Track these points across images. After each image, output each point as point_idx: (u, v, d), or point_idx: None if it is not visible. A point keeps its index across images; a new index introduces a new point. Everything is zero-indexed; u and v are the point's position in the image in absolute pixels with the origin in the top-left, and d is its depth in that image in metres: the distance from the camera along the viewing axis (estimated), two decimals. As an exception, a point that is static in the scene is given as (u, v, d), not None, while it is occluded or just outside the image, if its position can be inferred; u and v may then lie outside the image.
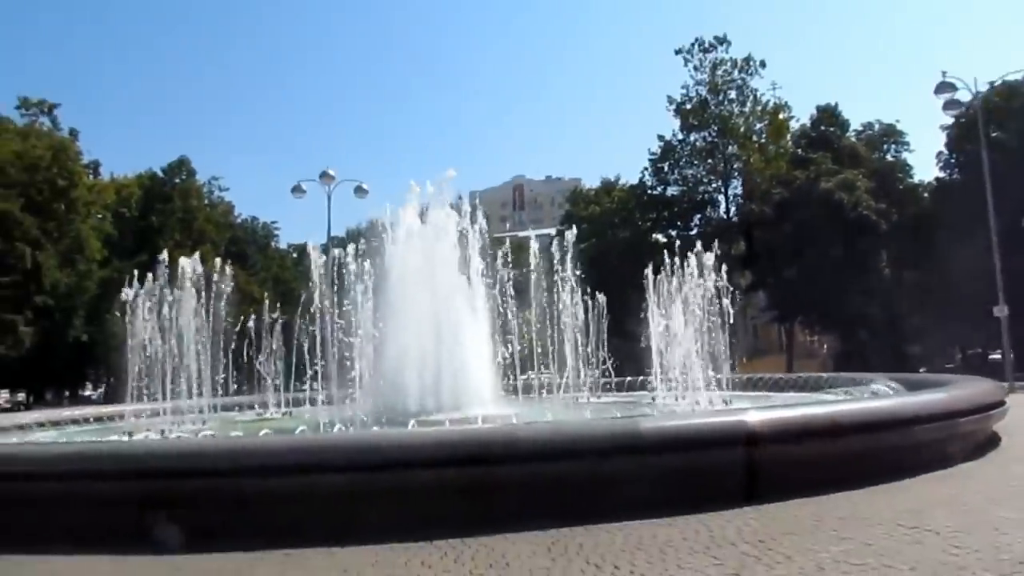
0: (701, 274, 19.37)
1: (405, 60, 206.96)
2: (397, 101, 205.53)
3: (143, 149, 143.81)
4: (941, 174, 51.99)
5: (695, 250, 19.12)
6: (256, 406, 20.99)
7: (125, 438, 10.24)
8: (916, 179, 52.24)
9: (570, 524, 6.57)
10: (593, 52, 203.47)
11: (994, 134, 48.25)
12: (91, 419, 17.02)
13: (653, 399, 19.40)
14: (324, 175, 36.00)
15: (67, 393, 54.09)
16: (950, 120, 51.31)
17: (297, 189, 37.48)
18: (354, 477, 6.73)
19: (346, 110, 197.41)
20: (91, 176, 53.73)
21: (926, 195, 51.49)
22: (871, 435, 8.32)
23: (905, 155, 53.06)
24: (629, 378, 24.13)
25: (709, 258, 18.92)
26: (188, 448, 7.15)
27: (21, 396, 52.86)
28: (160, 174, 54.35)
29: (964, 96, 28.42)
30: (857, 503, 7.22)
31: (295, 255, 71.35)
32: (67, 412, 18.59)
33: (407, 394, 15.09)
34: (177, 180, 53.22)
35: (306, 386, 25.30)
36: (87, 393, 57.65)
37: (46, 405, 46.42)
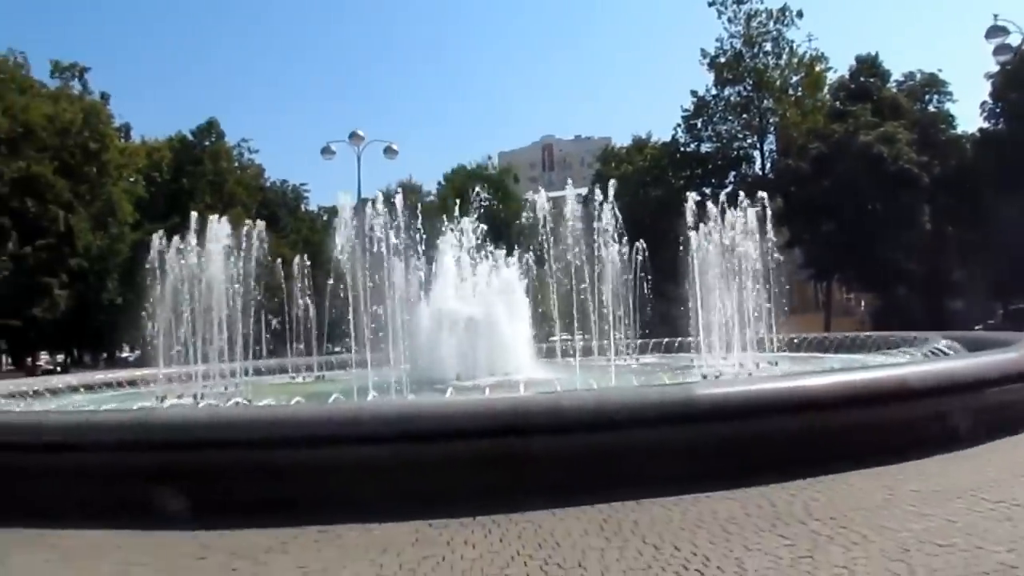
0: (743, 226, 18.79)
1: (433, 19, 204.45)
2: (426, 62, 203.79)
3: (174, 112, 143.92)
4: (985, 124, 50.29)
5: (739, 201, 18.51)
6: (289, 370, 20.88)
7: (155, 404, 9.98)
8: (959, 130, 50.39)
9: (621, 499, 6.16)
10: (623, 7, 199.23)
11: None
12: (124, 383, 16.89)
13: (693, 361, 18.96)
14: (353, 136, 35.60)
15: (104, 355, 54.72)
16: (995, 68, 49.79)
17: (327, 151, 37.16)
18: (392, 448, 6.37)
19: (374, 70, 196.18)
20: (122, 139, 53.72)
21: (969, 147, 49.85)
22: (939, 399, 7.79)
23: (948, 106, 51.17)
24: (667, 339, 23.67)
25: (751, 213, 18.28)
26: (217, 418, 6.80)
27: (60, 358, 53.60)
28: (190, 137, 54.17)
29: (1016, 40, 27.07)
30: (928, 474, 6.72)
31: (325, 217, 71.34)
32: (100, 375, 18.54)
33: (443, 358, 14.80)
34: (207, 143, 53.02)
35: (339, 349, 25.18)
36: (125, 355, 58.34)
37: (83, 367, 47.05)
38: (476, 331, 15.05)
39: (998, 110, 49.16)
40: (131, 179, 49.36)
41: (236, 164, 53.37)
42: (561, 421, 6.73)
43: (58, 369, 45.97)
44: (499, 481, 6.48)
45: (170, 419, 6.78)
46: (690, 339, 22.18)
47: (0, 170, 39.33)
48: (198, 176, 48.94)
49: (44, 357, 53.17)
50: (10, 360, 46.92)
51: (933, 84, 50.75)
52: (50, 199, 40.98)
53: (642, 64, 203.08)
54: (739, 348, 17.86)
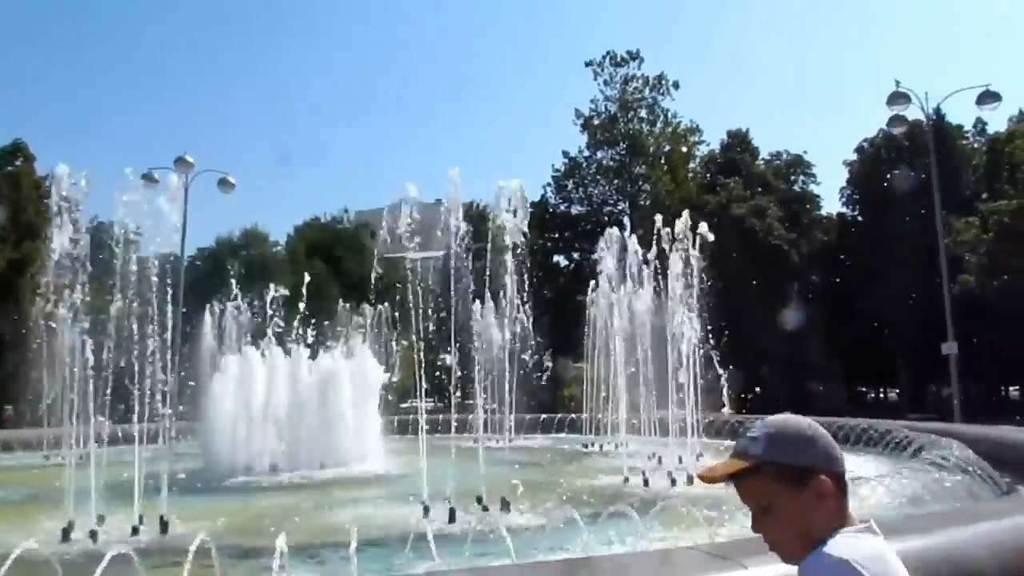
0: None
1: (300, 61, 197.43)
2: (283, 106, 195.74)
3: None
4: (843, 209, 51.06)
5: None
6: (45, 445, 15.51)
7: None
8: (824, 212, 50.71)
9: None
10: (487, 66, 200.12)
11: (895, 171, 47.48)
12: None
13: (586, 446, 15.44)
14: (180, 161, 30.35)
15: None
16: (853, 156, 50.60)
17: (148, 178, 31.64)
18: None
19: (228, 124, 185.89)
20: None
21: (831, 229, 50.20)
22: None
23: (812, 187, 51.44)
24: (545, 416, 19.96)
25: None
26: None
27: None
28: (-9, 161, 46.44)
29: (914, 112, 25.85)
30: None
31: (157, 265, 63.80)
32: None
33: (250, 441, 10.33)
34: (10, 168, 45.53)
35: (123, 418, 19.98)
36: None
37: None
38: (300, 406, 10.64)
39: (856, 197, 49.89)
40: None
41: (42, 192, 45.74)
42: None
43: None
44: None
45: None
46: (573, 416, 18.78)
47: None
48: (-12, 205, 41.16)
49: None
50: None
51: (799, 164, 50.91)
52: None
53: (509, 126, 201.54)
54: (642, 430, 14.38)
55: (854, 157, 50.18)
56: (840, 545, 1.72)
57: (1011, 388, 49.82)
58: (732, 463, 1.82)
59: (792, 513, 1.80)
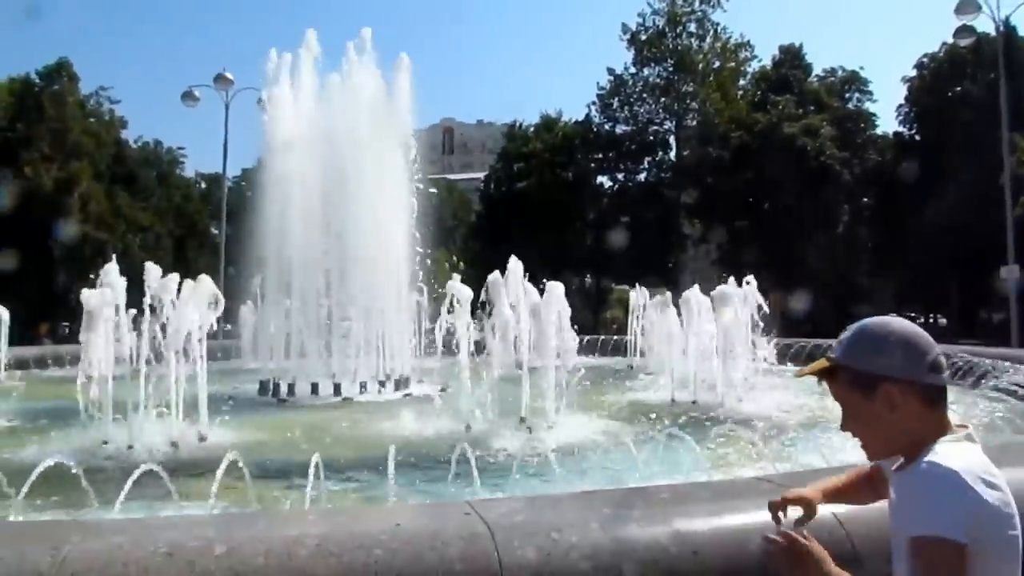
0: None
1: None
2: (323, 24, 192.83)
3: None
4: (900, 129, 49.03)
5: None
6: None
7: None
8: (879, 131, 48.82)
9: None
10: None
11: (957, 88, 45.38)
12: None
13: (631, 367, 15.33)
14: (220, 79, 29.96)
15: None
16: (912, 72, 48.39)
17: (189, 96, 31.46)
18: None
19: (275, 37, 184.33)
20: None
21: (886, 150, 48.38)
22: None
23: (868, 105, 49.46)
24: (586, 338, 19.76)
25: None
26: None
27: None
28: (36, 79, 46.59)
29: (983, 23, 24.30)
30: None
31: (203, 185, 64.34)
32: None
33: (298, 363, 10.34)
34: (56, 87, 45.63)
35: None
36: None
37: None
38: (347, 330, 10.59)
39: (912, 115, 47.86)
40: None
41: (87, 111, 45.90)
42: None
43: None
44: None
45: None
46: (615, 338, 18.57)
47: None
48: (36, 123, 41.49)
49: None
50: None
51: (854, 81, 48.92)
52: None
53: (552, 44, 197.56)
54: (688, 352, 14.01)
55: (913, 74, 47.95)
56: (948, 455, 1.67)
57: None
58: (819, 362, 1.87)
59: (869, 418, 1.81)
